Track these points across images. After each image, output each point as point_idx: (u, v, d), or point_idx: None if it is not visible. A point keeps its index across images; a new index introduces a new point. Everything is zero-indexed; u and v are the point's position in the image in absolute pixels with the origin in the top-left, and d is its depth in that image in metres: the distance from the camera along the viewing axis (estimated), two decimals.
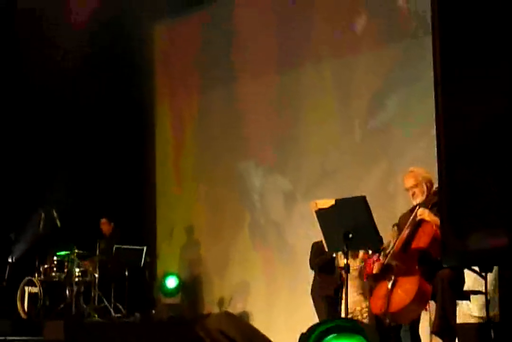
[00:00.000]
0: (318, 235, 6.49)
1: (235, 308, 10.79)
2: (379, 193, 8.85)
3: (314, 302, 8.33)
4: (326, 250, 6.30)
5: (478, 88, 3.50)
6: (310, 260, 8.33)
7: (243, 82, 11.13)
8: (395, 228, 6.64)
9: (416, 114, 8.98)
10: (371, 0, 9.79)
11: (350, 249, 6.12)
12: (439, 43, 3.47)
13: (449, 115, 3.40)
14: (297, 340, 3.14)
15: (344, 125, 9.97)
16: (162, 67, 12.41)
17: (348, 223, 6.00)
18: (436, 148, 3.93)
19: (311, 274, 9.34)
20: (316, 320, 8.14)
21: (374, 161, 9.52)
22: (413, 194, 6.52)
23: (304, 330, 2.85)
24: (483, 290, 6.25)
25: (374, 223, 6.07)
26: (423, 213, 6.31)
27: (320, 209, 6.15)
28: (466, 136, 3.30)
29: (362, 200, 6.01)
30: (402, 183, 6.71)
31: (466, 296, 6.48)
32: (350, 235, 5.98)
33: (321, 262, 8.02)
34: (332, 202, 6.09)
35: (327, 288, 7.92)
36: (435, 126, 4.35)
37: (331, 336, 2.93)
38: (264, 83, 10.86)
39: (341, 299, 7.00)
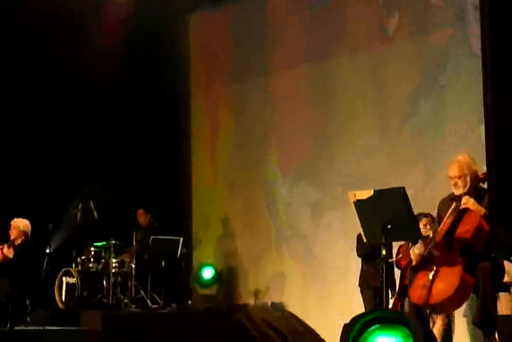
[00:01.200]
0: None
1: (271, 299, 10.80)
2: (416, 199, 8.75)
3: (361, 292, 8.32)
4: (365, 241, 6.26)
5: None
6: (356, 248, 8.32)
7: (277, 75, 11.10)
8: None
9: (453, 113, 8.91)
10: None
11: (389, 240, 6.07)
12: (488, 34, 3.40)
13: (498, 109, 3.33)
14: (335, 330, 3.13)
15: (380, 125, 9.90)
16: (197, 60, 12.43)
17: (386, 215, 5.95)
18: (484, 145, 3.81)
19: (347, 263, 9.35)
20: (352, 310, 8.13)
21: (411, 166, 9.40)
22: (455, 184, 6.40)
23: (339, 320, 2.84)
24: None
25: (414, 215, 6.03)
26: (468, 202, 6.19)
27: (358, 200, 6.10)
28: None
29: (402, 191, 5.97)
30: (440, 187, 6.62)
31: (506, 287, 6.43)
32: (389, 226, 5.94)
33: (363, 251, 8.00)
34: (371, 192, 6.05)
35: (374, 278, 7.89)
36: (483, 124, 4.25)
37: (374, 326, 2.92)
38: (297, 75, 10.83)
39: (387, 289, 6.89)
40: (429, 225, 7.34)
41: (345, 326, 3.01)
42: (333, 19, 10.43)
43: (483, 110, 4.17)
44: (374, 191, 6.04)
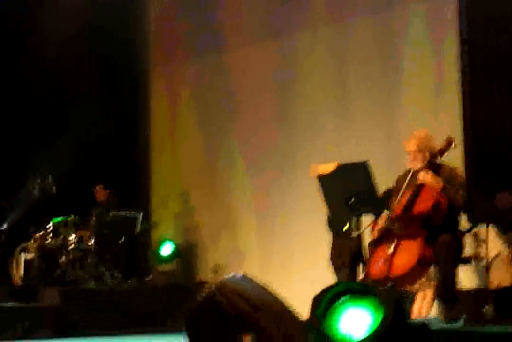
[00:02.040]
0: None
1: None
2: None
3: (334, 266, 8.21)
4: (329, 215, 6.27)
5: None
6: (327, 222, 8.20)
7: (236, 49, 11.03)
8: None
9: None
10: None
11: (353, 214, 6.08)
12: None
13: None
14: (296, 301, 3.12)
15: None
16: (156, 35, 12.26)
17: (350, 188, 5.97)
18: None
19: (314, 237, 9.34)
20: (313, 283, 8.13)
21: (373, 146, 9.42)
22: (414, 159, 6.45)
23: (301, 293, 2.82)
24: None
25: (374, 188, 6.04)
26: (426, 176, 6.24)
27: (321, 174, 6.11)
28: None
29: (365, 164, 5.98)
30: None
31: (466, 260, 6.49)
32: (352, 200, 5.96)
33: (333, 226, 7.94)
34: (334, 165, 6.05)
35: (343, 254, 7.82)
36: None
37: (344, 298, 2.91)
38: (259, 49, 10.77)
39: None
40: None
41: (315, 298, 3.00)
42: None
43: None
44: (338, 165, 6.05)
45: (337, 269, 8.11)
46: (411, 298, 6.67)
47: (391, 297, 3.76)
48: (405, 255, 6.05)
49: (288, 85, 10.46)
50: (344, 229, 6.02)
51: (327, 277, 8.45)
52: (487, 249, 6.09)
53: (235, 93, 11.10)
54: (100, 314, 9.45)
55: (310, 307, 3.17)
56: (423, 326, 4.57)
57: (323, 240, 9.35)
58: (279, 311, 2.61)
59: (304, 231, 9.86)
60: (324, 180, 6.09)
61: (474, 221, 4.91)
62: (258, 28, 10.80)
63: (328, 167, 6.06)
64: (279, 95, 10.55)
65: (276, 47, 10.60)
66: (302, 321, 3.41)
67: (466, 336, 4.79)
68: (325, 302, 2.80)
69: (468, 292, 6.56)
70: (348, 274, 7.65)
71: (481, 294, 6.32)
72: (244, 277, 2.73)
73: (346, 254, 7.53)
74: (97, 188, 11.21)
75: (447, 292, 6.04)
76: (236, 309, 2.49)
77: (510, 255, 6.88)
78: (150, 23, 12.24)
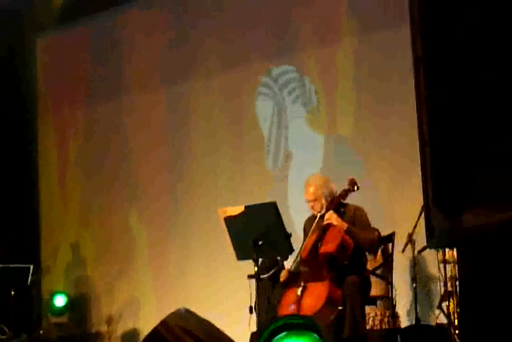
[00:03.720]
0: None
1: (126, 325, 10.59)
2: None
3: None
4: (237, 258, 6.22)
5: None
6: None
7: (132, 97, 10.96)
8: None
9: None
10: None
11: (260, 257, 6.06)
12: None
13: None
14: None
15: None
16: (45, 80, 12.05)
17: (258, 230, 5.96)
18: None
19: (206, 286, 9.25)
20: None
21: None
22: (312, 207, 6.60)
23: None
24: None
25: (285, 229, 6.05)
26: (331, 217, 6.34)
27: (228, 216, 6.08)
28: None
29: (273, 205, 5.99)
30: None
31: (373, 300, 6.56)
32: (260, 242, 5.95)
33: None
34: (242, 208, 6.04)
35: None
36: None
37: (282, 334, 2.85)
38: (153, 97, 10.74)
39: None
40: None
41: (253, 334, 2.94)
42: (188, 42, 10.42)
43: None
44: (245, 207, 6.04)
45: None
46: None
47: (331, 333, 3.73)
48: (312, 297, 6.09)
49: (181, 130, 10.44)
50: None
51: (226, 323, 8.40)
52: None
53: (128, 141, 10.99)
54: None
55: None
56: None
57: (222, 289, 9.38)
58: None
59: (202, 279, 9.77)
60: (231, 222, 6.06)
61: (433, 245, 4.95)
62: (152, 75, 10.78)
63: (236, 210, 6.04)
64: (173, 138, 10.51)
65: (169, 92, 10.59)
66: None
67: None
68: (264, 338, 2.73)
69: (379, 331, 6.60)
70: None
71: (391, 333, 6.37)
72: (188, 311, 2.65)
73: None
74: None
75: (354, 333, 6.08)
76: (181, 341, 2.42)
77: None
78: (38, 70, 12.05)
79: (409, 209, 7.32)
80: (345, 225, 6.35)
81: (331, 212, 6.37)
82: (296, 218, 7.99)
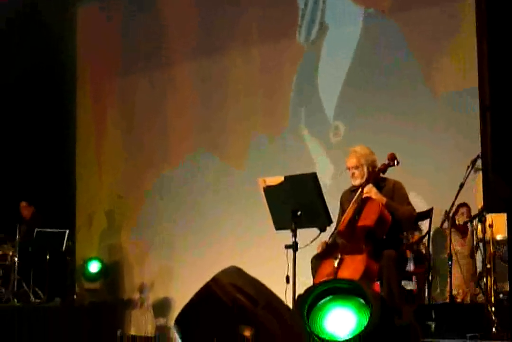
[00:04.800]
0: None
1: (157, 294, 10.68)
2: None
3: None
4: (275, 228, 6.22)
5: None
6: None
7: (168, 69, 10.98)
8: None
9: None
10: None
11: (299, 227, 6.04)
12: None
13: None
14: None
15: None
16: (84, 52, 12.11)
17: (297, 201, 5.95)
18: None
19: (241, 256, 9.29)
20: None
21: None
22: (353, 175, 6.56)
23: None
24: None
25: (324, 201, 6.03)
26: (370, 191, 6.32)
27: (268, 186, 6.07)
28: None
29: (313, 176, 5.97)
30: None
31: (408, 276, 6.55)
32: (299, 213, 5.94)
33: None
34: (281, 178, 6.03)
35: None
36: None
37: (328, 297, 2.86)
38: (188, 68, 10.75)
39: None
40: (466, 214, 7.36)
41: (299, 297, 2.96)
42: (224, 13, 10.40)
43: None
44: (285, 177, 6.02)
45: None
46: None
47: (377, 297, 3.74)
48: (349, 270, 6.04)
49: (216, 103, 10.45)
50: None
51: None
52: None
53: (163, 111, 11.03)
54: (23, 333, 9.21)
55: (294, 306, 3.13)
56: (409, 326, 4.55)
57: (258, 259, 9.38)
58: (277, 305, 2.56)
59: (237, 251, 9.81)
60: (270, 192, 6.04)
61: (489, 209, 4.91)
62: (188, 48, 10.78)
63: (276, 180, 6.03)
64: (206, 110, 10.54)
65: (206, 65, 10.59)
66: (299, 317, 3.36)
67: None
68: (310, 301, 2.76)
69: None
70: None
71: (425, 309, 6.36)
72: (238, 269, 2.67)
73: None
74: (21, 204, 10.97)
75: (391, 306, 6.06)
76: (234, 301, 2.43)
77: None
78: (78, 43, 12.10)
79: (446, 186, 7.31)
80: (384, 199, 6.32)
81: (370, 185, 6.34)
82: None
